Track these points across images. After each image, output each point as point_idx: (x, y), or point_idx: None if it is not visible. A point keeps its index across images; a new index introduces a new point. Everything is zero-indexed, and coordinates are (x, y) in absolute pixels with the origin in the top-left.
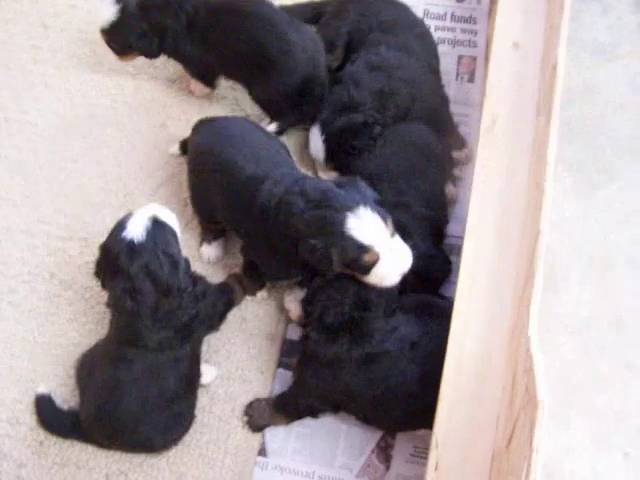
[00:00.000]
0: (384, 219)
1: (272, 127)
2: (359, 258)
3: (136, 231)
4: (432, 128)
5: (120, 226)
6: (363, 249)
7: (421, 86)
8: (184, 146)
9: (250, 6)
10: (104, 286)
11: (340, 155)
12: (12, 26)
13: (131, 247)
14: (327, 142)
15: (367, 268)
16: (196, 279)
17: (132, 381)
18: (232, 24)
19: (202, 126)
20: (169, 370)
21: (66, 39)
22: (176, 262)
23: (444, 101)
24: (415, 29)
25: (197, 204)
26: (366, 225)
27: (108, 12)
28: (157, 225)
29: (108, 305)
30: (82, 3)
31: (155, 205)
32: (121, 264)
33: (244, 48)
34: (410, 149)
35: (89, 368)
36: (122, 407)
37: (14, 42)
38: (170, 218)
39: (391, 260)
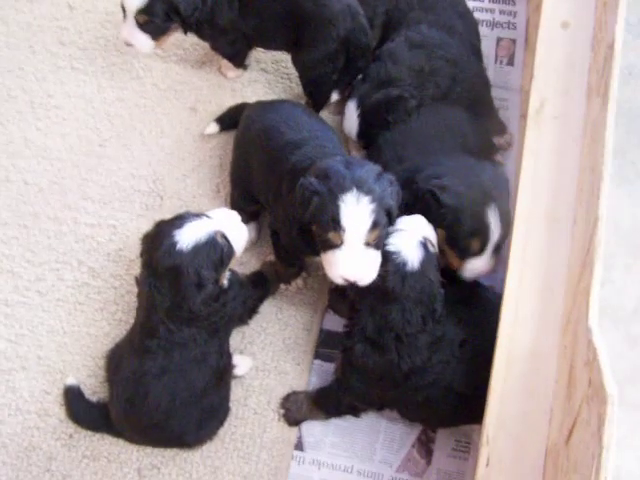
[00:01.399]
0: (376, 224)
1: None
2: (326, 228)
3: (185, 237)
4: (473, 112)
5: (178, 222)
6: (336, 224)
7: (463, 67)
8: (222, 121)
9: None
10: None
11: (373, 130)
12: (37, 7)
13: (170, 248)
14: (362, 117)
15: (326, 244)
16: (230, 282)
17: (157, 374)
18: None
19: (256, 104)
20: (196, 364)
21: (92, 20)
22: (202, 285)
23: (486, 84)
24: (457, 8)
25: (235, 177)
26: (354, 210)
27: None
28: (208, 242)
29: (137, 284)
30: None
31: (229, 216)
32: (154, 257)
33: (281, 9)
34: (443, 130)
35: (117, 361)
36: (150, 401)
37: (39, 24)
38: (237, 234)
39: (348, 258)
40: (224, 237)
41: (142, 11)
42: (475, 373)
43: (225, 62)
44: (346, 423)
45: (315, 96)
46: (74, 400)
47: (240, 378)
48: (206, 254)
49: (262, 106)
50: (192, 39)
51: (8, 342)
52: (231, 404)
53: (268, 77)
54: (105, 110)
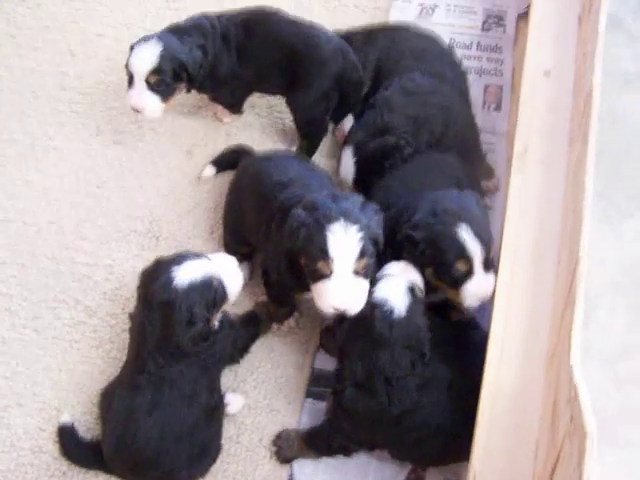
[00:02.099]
0: (363, 252)
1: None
2: (315, 258)
3: (182, 275)
4: (463, 156)
5: (177, 259)
6: (325, 254)
7: (454, 114)
8: (218, 163)
9: (272, 14)
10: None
11: (369, 176)
12: (40, 54)
13: (166, 283)
14: (358, 164)
15: (315, 274)
16: (221, 323)
17: (147, 410)
18: (261, 34)
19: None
20: (186, 401)
21: (93, 66)
22: (192, 323)
23: (475, 129)
24: (446, 57)
25: (227, 220)
26: (342, 240)
27: (151, 49)
28: (204, 283)
29: (130, 319)
30: (109, 31)
31: (228, 261)
32: (150, 290)
33: (277, 54)
34: (437, 175)
35: (109, 398)
36: (140, 437)
37: (42, 69)
38: (232, 279)
39: (338, 288)
40: (220, 281)
41: (154, 71)
42: (464, 412)
43: (221, 107)
44: (337, 461)
45: (310, 137)
46: (68, 437)
47: (232, 416)
48: (200, 294)
49: (256, 156)
50: None
51: (4, 379)
52: (223, 441)
53: (262, 121)
54: (103, 153)
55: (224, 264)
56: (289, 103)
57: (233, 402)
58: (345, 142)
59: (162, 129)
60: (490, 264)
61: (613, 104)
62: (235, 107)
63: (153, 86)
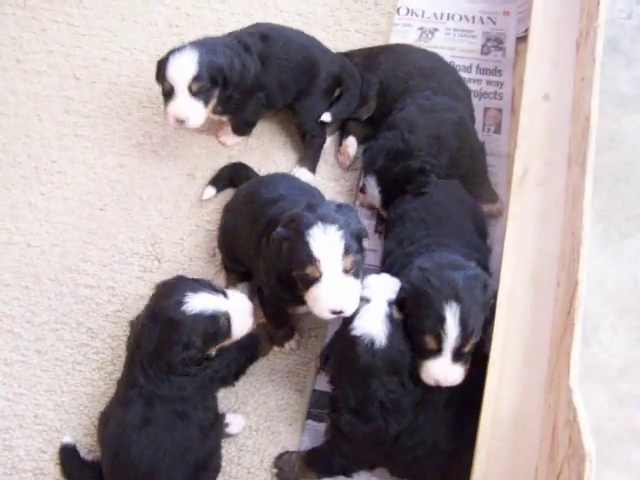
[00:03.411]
0: (347, 249)
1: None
2: (303, 265)
3: (193, 302)
4: (472, 179)
5: (195, 285)
6: (311, 257)
7: (467, 130)
8: (217, 182)
9: (277, 25)
10: None
11: (395, 198)
12: (45, 78)
13: (176, 304)
14: (383, 192)
15: (307, 281)
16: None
17: (139, 425)
18: (280, 39)
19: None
20: (178, 418)
21: (97, 90)
22: (186, 348)
23: (483, 149)
24: (454, 75)
25: (221, 242)
26: (323, 241)
27: (188, 57)
28: (211, 317)
29: (131, 327)
30: (113, 56)
31: (243, 304)
32: (160, 304)
33: (296, 57)
34: (451, 202)
35: (106, 419)
36: (133, 454)
37: (46, 93)
38: (241, 321)
39: (331, 288)
40: (228, 319)
41: (196, 78)
42: (460, 432)
43: (224, 130)
44: None
45: (312, 140)
46: (69, 459)
47: (233, 437)
48: (203, 325)
49: (250, 180)
50: None
51: (6, 401)
52: (224, 463)
53: (264, 145)
54: (106, 175)
55: (238, 305)
56: (297, 109)
57: (234, 423)
58: (365, 171)
59: (165, 152)
60: (461, 356)
61: (612, 126)
62: (250, 126)
63: (196, 93)
